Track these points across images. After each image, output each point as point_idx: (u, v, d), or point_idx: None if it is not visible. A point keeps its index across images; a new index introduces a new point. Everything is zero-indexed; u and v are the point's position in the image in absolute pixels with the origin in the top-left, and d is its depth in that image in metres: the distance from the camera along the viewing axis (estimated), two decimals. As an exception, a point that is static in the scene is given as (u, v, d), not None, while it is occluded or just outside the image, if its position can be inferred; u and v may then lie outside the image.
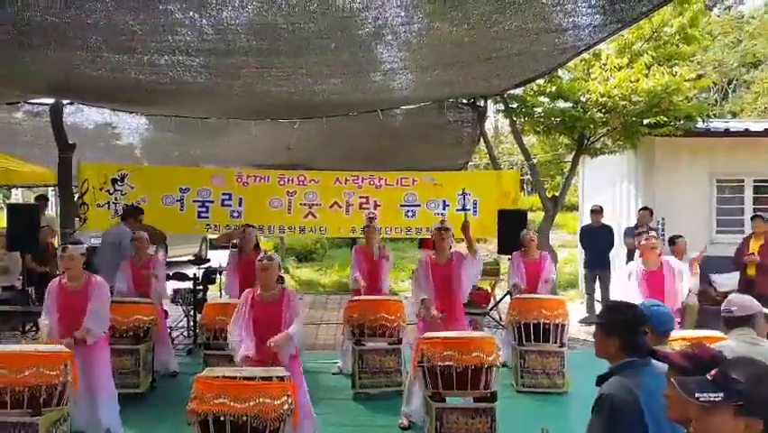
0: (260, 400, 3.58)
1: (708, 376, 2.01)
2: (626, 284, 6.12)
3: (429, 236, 9.27)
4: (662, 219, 9.77)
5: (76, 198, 8.73)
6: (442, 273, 5.52)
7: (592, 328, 3.06)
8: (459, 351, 4.68)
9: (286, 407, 3.60)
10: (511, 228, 7.89)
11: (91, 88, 7.09)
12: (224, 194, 8.88)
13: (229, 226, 8.89)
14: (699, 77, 10.18)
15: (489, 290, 10.17)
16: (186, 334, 8.54)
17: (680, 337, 4.90)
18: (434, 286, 5.51)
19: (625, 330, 2.84)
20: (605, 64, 9.26)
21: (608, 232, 9.80)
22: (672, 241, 7.80)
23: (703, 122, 9.70)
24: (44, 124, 8.67)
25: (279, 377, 3.76)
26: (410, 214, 8.98)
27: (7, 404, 4.05)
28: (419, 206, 8.98)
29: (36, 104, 8.66)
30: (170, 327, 8.29)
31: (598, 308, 9.30)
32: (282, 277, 4.69)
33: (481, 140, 10.38)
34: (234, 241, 8.80)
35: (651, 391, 2.61)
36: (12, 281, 8.63)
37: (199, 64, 5.95)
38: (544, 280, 7.11)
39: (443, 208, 8.95)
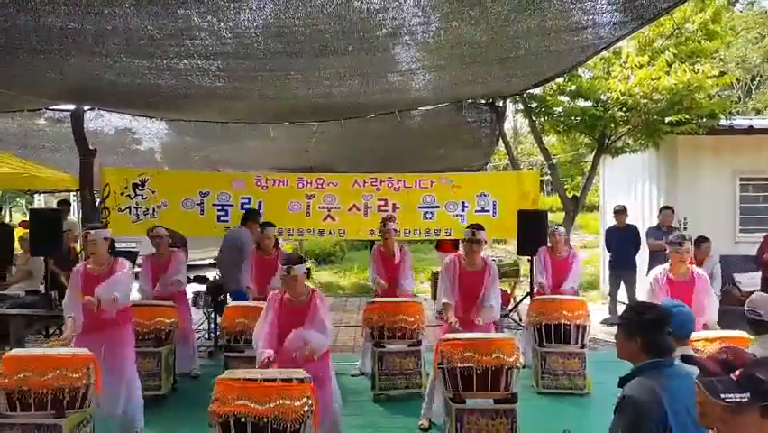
0: (281, 401, 3.58)
1: (733, 376, 1.98)
2: (648, 292, 5.86)
3: (447, 237, 9.30)
4: (685, 219, 9.63)
5: (97, 203, 8.83)
6: (470, 282, 5.41)
7: (613, 329, 3.02)
8: (479, 352, 4.65)
9: (306, 408, 3.60)
10: (531, 229, 7.83)
11: (111, 94, 7.17)
12: (243, 198, 8.93)
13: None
14: (722, 73, 10.03)
15: (509, 292, 10.10)
16: (206, 336, 8.60)
17: (702, 338, 4.83)
18: (459, 292, 5.42)
19: (648, 331, 2.80)
20: (625, 62, 9.17)
21: (633, 232, 9.64)
22: (698, 244, 7.67)
23: (726, 119, 9.55)
24: (65, 130, 8.79)
25: (299, 379, 3.76)
26: (429, 216, 8.95)
27: (31, 406, 4.10)
28: (438, 207, 8.95)
29: (57, 110, 8.79)
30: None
31: (620, 310, 9.18)
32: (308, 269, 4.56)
33: (500, 140, 10.32)
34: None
35: (674, 392, 2.58)
36: (35, 286, 8.74)
37: (218, 68, 5.99)
38: (569, 286, 7.05)
39: (462, 210, 8.91)
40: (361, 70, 6.44)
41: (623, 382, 2.79)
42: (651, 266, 9.19)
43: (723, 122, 9.47)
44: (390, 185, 8.99)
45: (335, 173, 9.72)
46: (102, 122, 9.21)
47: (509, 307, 9.37)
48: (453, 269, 5.47)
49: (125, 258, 5.35)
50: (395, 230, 7.26)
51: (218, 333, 7.82)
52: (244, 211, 8.19)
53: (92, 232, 5.03)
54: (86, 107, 8.48)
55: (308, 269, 4.58)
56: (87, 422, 4.33)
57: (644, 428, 2.58)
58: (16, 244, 10.61)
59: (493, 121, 9.60)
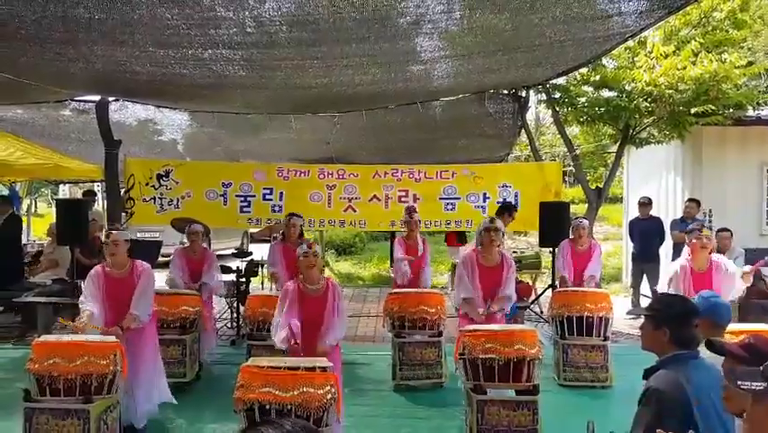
0: (304, 389, 3.61)
1: (761, 367, 1.97)
2: (670, 281, 5.84)
3: (467, 229, 9.28)
4: (710, 211, 9.52)
5: (122, 193, 8.95)
6: (489, 277, 5.36)
7: (636, 322, 3.01)
8: (501, 343, 4.62)
9: (329, 396, 3.63)
10: (553, 221, 7.78)
11: (136, 84, 7.23)
12: (265, 188, 9.01)
13: (270, 220, 9.03)
14: (750, 63, 9.84)
15: (531, 283, 10.06)
16: (229, 325, 8.69)
17: (728, 331, 4.77)
18: (480, 288, 5.38)
19: (675, 322, 2.79)
20: (650, 52, 9.03)
21: (658, 225, 9.54)
22: (716, 234, 7.61)
23: (754, 110, 9.40)
24: (90, 120, 8.90)
25: (322, 367, 3.79)
26: (450, 207, 8.94)
27: (60, 391, 4.16)
28: (459, 199, 8.94)
29: (82, 101, 8.90)
30: (214, 319, 8.43)
31: (643, 302, 9.11)
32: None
33: (522, 131, 10.25)
34: (275, 234, 8.88)
35: (699, 384, 2.57)
36: (61, 274, 8.89)
37: (241, 57, 6.02)
38: (590, 274, 6.96)
39: (484, 201, 8.89)
40: (383, 59, 6.42)
41: (647, 373, 2.78)
42: (674, 258, 9.12)
43: (750, 112, 9.34)
44: (411, 176, 9.00)
45: (356, 164, 9.74)
46: (125, 113, 9.32)
47: (530, 299, 9.34)
48: (472, 265, 5.43)
49: (148, 249, 5.34)
50: (418, 221, 7.23)
51: (241, 322, 7.92)
52: (499, 204, 8.20)
53: (114, 233, 4.98)
54: (110, 98, 8.57)
55: (316, 253, 4.62)
56: (114, 408, 4.38)
57: (669, 419, 2.56)
58: (42, 234, 10.78)
59: (515, 111, 9.53)
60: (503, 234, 5.50)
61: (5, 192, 12.26)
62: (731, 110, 9.06)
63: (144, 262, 5.13)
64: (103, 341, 4.35)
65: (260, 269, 9.19)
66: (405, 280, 7.01)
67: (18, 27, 5.02)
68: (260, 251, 11.00)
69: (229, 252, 13.18)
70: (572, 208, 9.21)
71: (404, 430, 5.26)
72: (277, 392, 3.61)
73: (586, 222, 7.35)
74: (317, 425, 3.61)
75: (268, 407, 3.60)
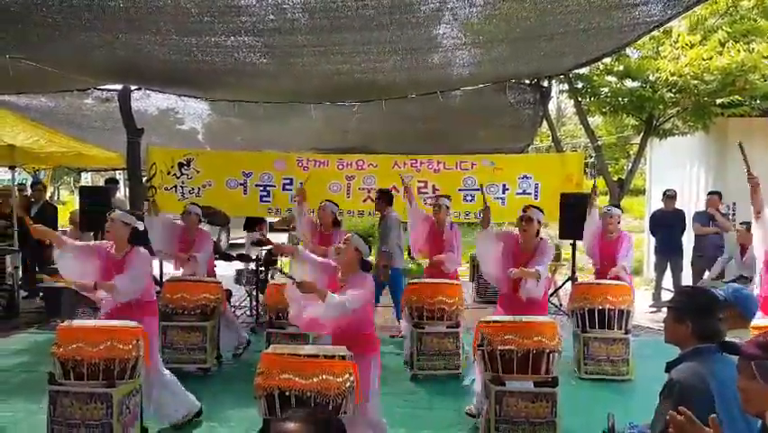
0: (324, 376, 3.63)
1: None
2: None
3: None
4: (733, 204, 9.36)
5: (144, 182, 9.04)
6: (522, 261, 5.30)
7: (657, 315, 2.98)
8: (519, 335, 4.61)
9: (348, 385, 3.65)
10: (573, 212, 7.69)
11: (159, 73, 7.29)
12: (285, 178, 9.03)
13: (290, 210, 9.05)
14: (778, 53, 9.66)
15: (550, 276, 9.97)
16: (249, 313, 8.77)
17: (751, 326, 4.70)
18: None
19: (698, 315, 2.76)
20: (676, 41, 8.88)
21: (680, 217, 9.41)
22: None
23: (781, 101, 9.21)
24: (113, 109, 8.99)
25: (342, 356, 3.80)
26: (469, 198, 8.88)
27: (84, 375, 4.23)
28: (478, 190, 8.86)
29: (105, 90, 8.99)
30: (234, 306, 8.50)
31: (665, 296, 8.98)
32: (367, 262, 4.47)
33: (544, 122, 10.14)
34: (294, 224, 8.89)
35: (723, 378, 2.53)
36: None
37: (263, 44, 6.04)
38: (621, 264, 6.78)
39: (503, 192, 8.81)
40: (403, 46, 6.38)
41: (670, 366, 2.76)
42: (696, 251, 9.00)
43: (778, 104, 9.14)
44: (430, 166, 8.95)
45: (375, 154, 9.71)
46: (147, 102, 9.40)
47: (549, 291, 9.26)
48: (511, 245, 5.36)
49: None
50: (447, 206, 7.16)
51: (260, 310, 7.98)
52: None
53: (115, 212, 4.83)
54: (133, 87, 8.64)
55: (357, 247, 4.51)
56: (137, 392, 4.45)
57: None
58: (65, 221, 10.90)
59: (537, 102, 9.43)
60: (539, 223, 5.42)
61: (30, 180, 12.44)
62: (758, 101, 8.90)
63: (142, 249, 4.86)
64: (126, 326, 4.41)
65: (278, 258, 9.23)
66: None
67: (44, 15, 5.07)
68: (278, 240, 11.03)
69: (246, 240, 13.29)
70: (593, 200, 9.06)
71: (420, 420, 5.28)
72: (296, 379, 3.63)
73: (617, 210, 7.15)
74: (336, 412, 3.62)
75: (287, 393, 3.62)
